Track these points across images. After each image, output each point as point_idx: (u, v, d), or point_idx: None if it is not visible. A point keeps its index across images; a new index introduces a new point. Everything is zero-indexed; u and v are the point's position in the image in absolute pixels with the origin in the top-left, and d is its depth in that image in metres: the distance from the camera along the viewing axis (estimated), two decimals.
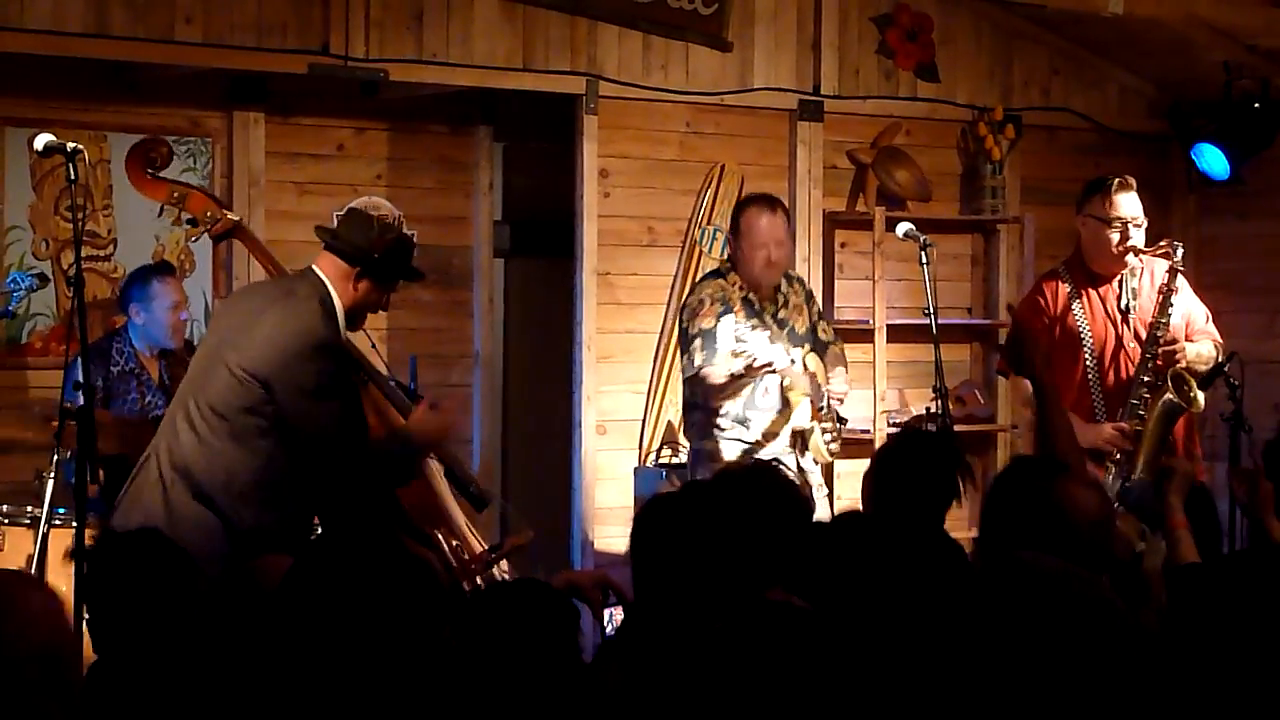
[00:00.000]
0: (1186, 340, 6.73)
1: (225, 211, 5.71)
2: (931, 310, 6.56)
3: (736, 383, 6.85)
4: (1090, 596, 3.20)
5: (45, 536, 5.69)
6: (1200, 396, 6.51)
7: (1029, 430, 7.12)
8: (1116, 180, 6.72)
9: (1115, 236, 6.67)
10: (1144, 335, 6.65)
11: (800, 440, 7.01)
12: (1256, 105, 8.65)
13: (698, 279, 7.52)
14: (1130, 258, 6.70)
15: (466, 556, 5.42)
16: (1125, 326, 6.72)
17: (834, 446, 7.10)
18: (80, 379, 5.26)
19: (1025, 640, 3.16)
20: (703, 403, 7.00)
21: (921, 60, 8.87)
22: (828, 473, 8.08)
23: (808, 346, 7.10)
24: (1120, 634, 3.21)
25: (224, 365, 5.19)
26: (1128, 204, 6.68)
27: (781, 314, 7.07)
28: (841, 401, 7.12)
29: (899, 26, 8.81)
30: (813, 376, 7.00)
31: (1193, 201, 9.46)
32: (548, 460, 8.59)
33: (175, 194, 5.75)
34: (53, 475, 5.75)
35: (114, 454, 5.57)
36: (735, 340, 6.82)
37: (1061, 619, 3.16)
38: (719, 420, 6.95)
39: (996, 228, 9.08)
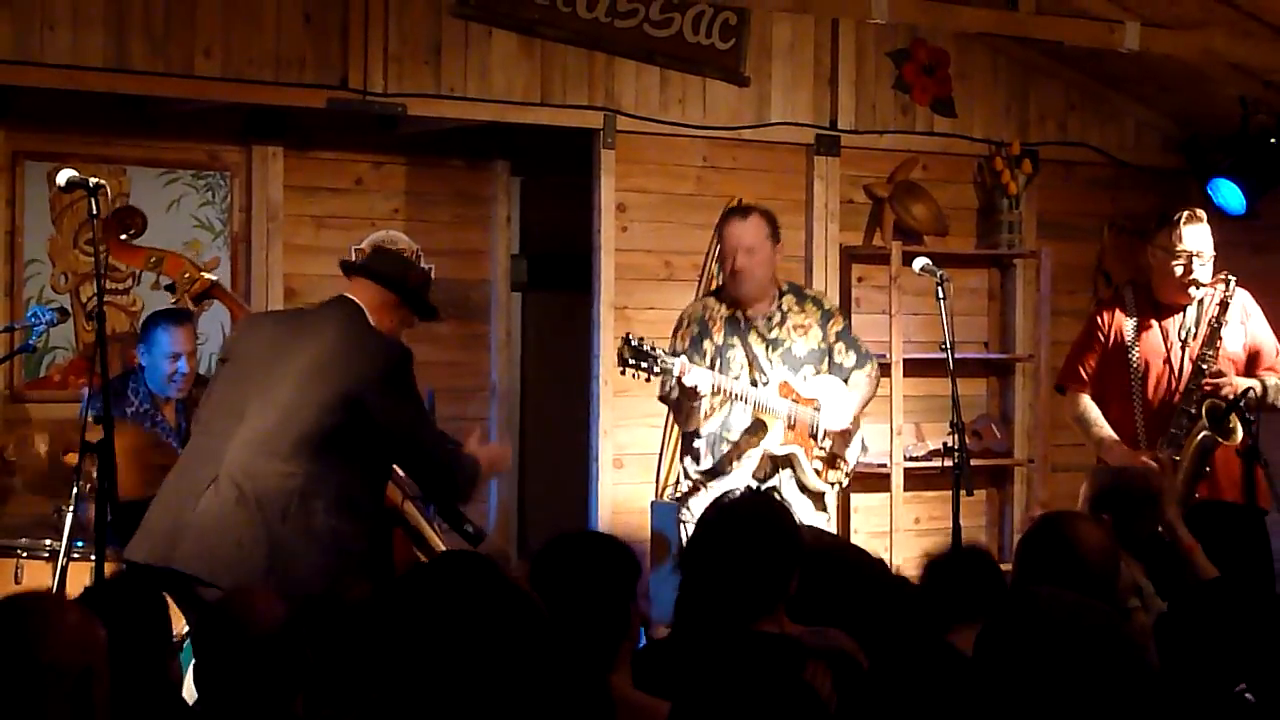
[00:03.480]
0: (1258, 372, 6.86)
1: (202, 272, 5.77)
2: (948, 345, 6.56)
3: (688, 406, 6.61)
4: (1104, 631, 3.20)
5: (64, 570, 5.71)
6: (1239, 430, 6.57)
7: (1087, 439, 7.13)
8: (1185, 213, 6.91)
9: (1179, 269, 6.84)
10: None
11: (787, 465, 6.72)
12: (1273, 140, 8.65)
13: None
14: (1193, 290, 6.85)
15: None
16: (1183, 355, 6.83)
17: (834, 475, 6.82)
18: (98, 413, 5.27)
19: (1038, 675, 3.16)
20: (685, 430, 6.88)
21: (938, 95, 8.89)
22: (843, 504, 8.09)
23: (813, 369, 6.80)
24: (1132, 669, 3.22)
25: (313, 402, 5.14)
26: (1192, 237, 6.85)
27: (776, 332, 6.81)
28: (843, 436, 6.79)
29: (916, 61, 8.83)
30: (807, 403, 6.70)
31: None
32: (564, 494, 8.59)
33: (153, 259, 5.83)
34: (71, 509, 5.77)
35: (136, 499, 5.53)
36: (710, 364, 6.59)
37: (1075, 653, 3.16)
38: (695, 444, 6.78)
39: (1013, 262, 9.09)
